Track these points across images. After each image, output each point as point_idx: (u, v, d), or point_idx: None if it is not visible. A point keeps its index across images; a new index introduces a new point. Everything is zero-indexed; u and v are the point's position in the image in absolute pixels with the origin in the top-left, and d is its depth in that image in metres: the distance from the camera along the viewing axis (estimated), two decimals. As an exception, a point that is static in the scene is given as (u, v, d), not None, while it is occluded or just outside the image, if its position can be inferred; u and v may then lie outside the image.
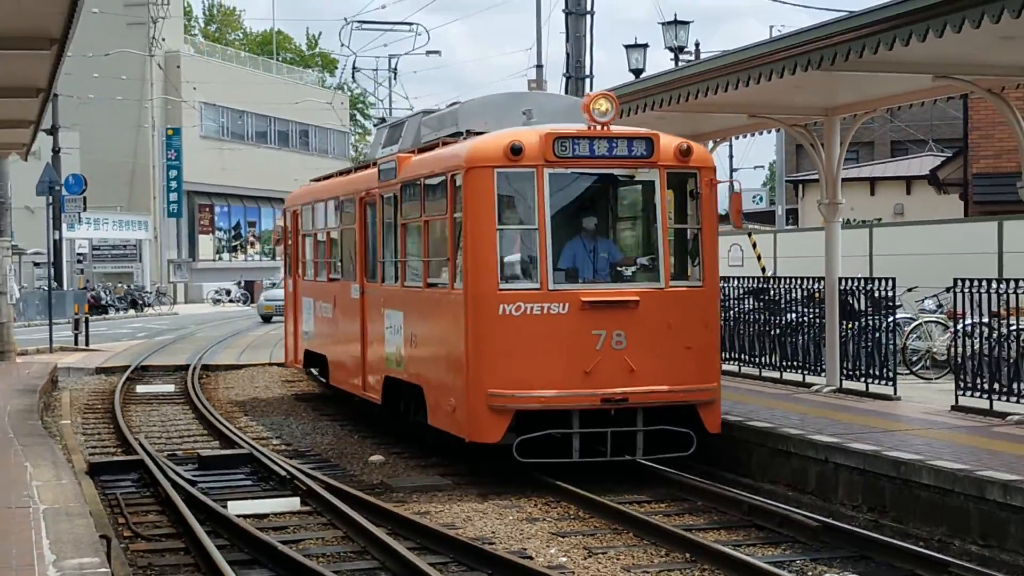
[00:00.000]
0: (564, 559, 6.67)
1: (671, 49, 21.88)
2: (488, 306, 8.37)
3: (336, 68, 61.17)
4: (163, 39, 42.73)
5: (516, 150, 8.35)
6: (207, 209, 48.95)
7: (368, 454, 10.72)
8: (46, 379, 15.46)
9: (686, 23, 21.88)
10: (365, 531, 7.11)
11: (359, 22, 24.98)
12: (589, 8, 18.30)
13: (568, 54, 18.24)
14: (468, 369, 8.49)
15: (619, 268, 9.18)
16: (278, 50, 60.19)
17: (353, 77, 14.97)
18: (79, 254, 33.94)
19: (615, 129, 8.67)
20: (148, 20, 40.58)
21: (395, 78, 31.30)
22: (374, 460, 10.32)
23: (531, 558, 6.62)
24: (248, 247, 52.23)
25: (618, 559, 6.66)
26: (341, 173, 14.66)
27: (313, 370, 14.84)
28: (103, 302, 35.31)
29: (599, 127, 8.56)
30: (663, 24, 22.41)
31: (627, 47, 20.77)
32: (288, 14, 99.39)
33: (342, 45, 58.07)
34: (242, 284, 44.33)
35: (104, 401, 15.31)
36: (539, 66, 22.63)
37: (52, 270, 26.92)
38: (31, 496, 7.21)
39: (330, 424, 13.17)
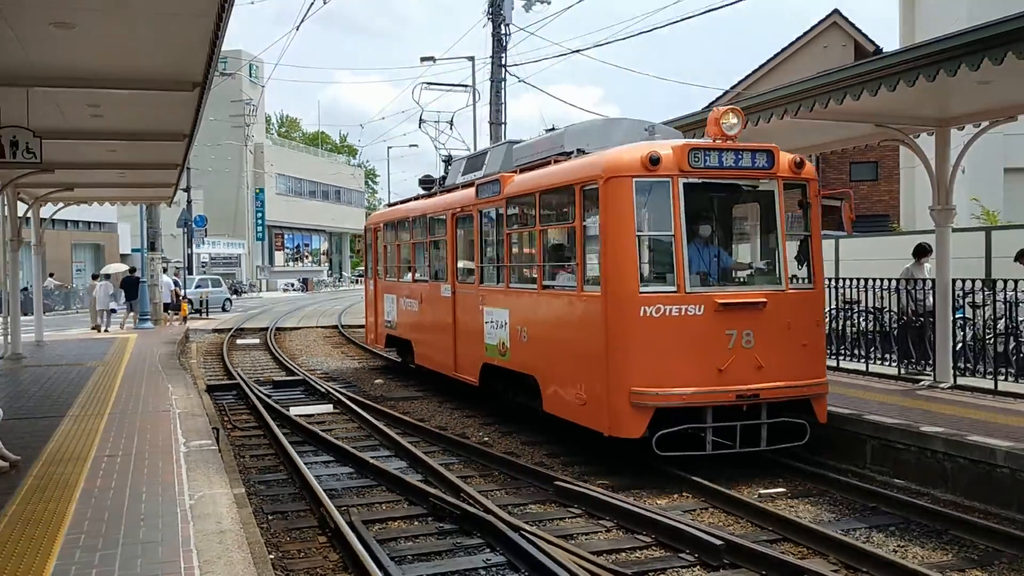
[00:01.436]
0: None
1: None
2: (630, 308, 8.76)
3: (356, 152, 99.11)
4: (252, 135, 69.43)
5: (654, 160, 8.82)
6: (280, 236, 77.03)
7: (373, 379, 17.22)
8: (182, 336, 23.66)
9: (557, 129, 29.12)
10: (370, 423, 12.03)
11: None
12: (503, 120, 26.53)
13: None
14: (609, 368, 8.89)
15: (738, 272, 9.72)
16: (321, 143, 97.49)
17: (420, 126, 19.74)
18: (202, 263, 57.47)
19: (739, 142, 9.20)
20: (243, 123, 66.82)
21: (451, 127, 37.01)
22: (377, 383, 16.63)
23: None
24: (304, 259, 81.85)
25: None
26: (406, 200, 17.55)
27: (392, 351, 18.84)
28: (218, 291, 53.22)
29: (726, 140, 9.08)
30: (545, 130, 28.79)
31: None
32: (328, 120, 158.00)
33: (416, 102, 68.62)
34: (301, 280, 71.03)
35: (217, 348, 23.21)
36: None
37: (186, 272, 39.93)
38: (171, 404, 11.10)
39: (351, 361, 21.04)
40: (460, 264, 13.39)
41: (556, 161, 10.54)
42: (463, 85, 29.55)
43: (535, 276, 10.64)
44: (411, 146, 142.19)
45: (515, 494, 8.59)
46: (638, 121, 10.87)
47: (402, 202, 17.93)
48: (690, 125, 12.07)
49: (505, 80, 26.34)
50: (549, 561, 6.10)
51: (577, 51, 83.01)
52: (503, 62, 25.80)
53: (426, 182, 16.55)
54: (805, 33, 31.50)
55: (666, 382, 8.69)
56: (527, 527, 6.91)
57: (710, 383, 8.74)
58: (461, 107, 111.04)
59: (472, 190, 12.63)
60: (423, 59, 35.78)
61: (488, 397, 12.83)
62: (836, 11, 31.40)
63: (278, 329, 29.15)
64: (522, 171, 11.45)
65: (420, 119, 19.15)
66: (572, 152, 10.48)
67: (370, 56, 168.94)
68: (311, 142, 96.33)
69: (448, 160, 16.83)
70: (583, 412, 9.42)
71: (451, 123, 21.47)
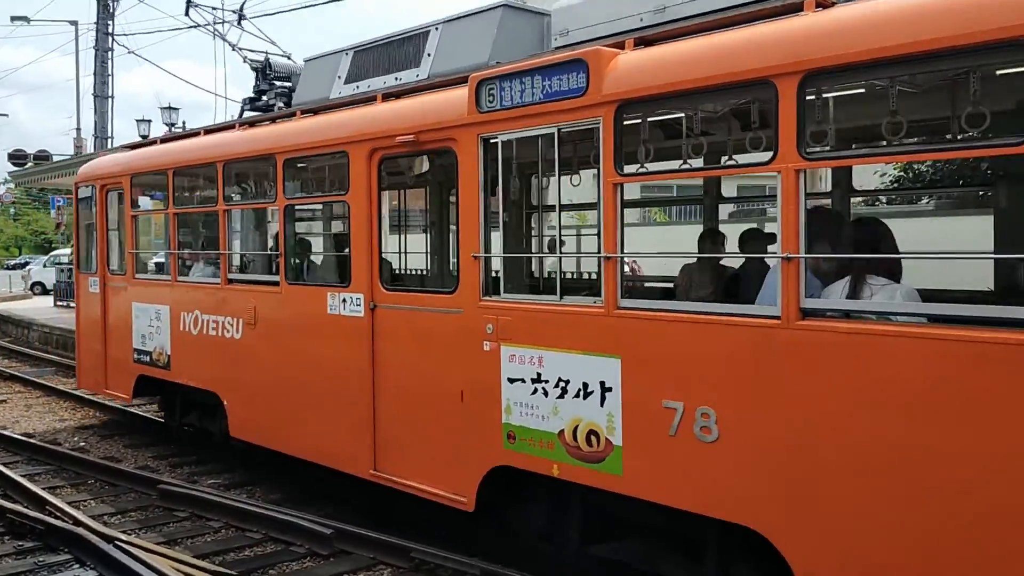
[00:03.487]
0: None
1: (168, 125, 28.52)
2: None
3: None
4: None
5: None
6: None
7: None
8: None
9: (176, 108, 29.17)
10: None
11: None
12: (110, 94, 27.83)
13: (95, 123, 28.17)
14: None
15: None
16: None
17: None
18: None
19: None
20: None
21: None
22: None
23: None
24: None
25: None
26: (188, 135, 9.61)
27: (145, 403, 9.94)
28: None
29: None
30: (160, 108, 30.19)
31: (137, 121, 30.05)
32: None
33: None
34: None
35: None
36: (78, 129, 35.69)
37: None
38: None
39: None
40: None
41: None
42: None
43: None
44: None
45: (113, 502, 7.94)
46: None
47: (178, 138, 9.95)
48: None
49: (113, 50, 24.40)
50: (145, 570, 5.68)
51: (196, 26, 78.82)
52: (109, 30, 23.76)
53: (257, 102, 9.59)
54: None
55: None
56: (123, 537, 6.38)
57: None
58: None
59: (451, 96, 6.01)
60: (14, 18, 31.86)
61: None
62: None
63: None
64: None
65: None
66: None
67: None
68: None
69: (264, 70, 9.62)
70: None
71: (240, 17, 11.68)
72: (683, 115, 5.30)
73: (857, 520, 4.00)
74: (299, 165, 7.72)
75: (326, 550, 6.52)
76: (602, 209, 5.02)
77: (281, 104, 9.31)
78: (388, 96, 6.86)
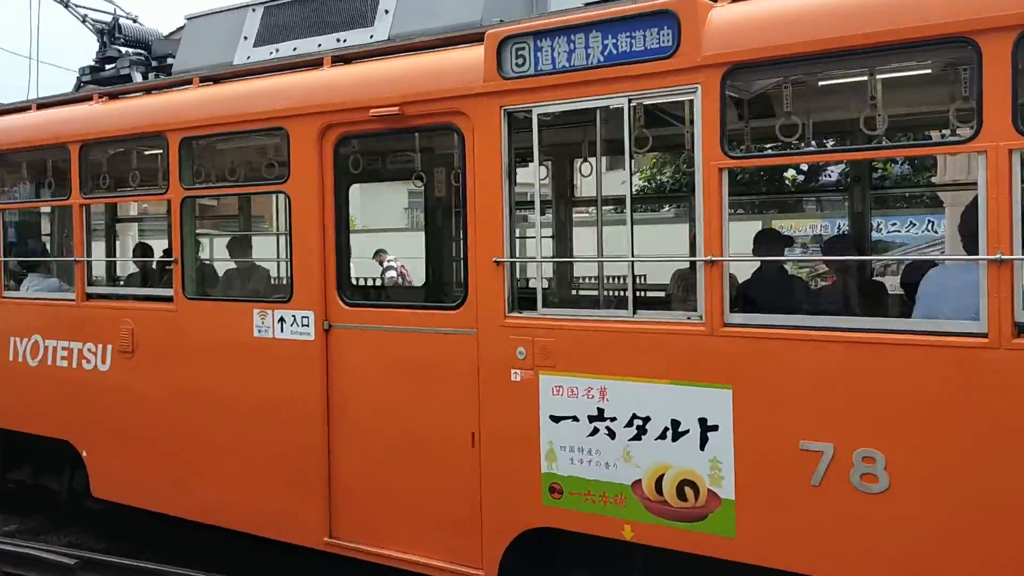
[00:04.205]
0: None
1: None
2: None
3: None
4: None
5: None
6: None
7: None
8: None
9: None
10: None
11: None
12: None
13: None
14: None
15: None
16: None
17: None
18: None
19: None
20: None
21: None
22: None
23: None
24: None
25: None
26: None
27: None
28: None
29: None
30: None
31: None
32: None
33: None
34: None
35: None
36: None
37: None
38: None
39: None
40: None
41: None
42: None
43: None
44: None
45: None
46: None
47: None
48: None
49: None
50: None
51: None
52: None
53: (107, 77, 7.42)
54: None
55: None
56: None
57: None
58: None
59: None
60: None
61: None
62: None
63: None
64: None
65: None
66: None
67: None
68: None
69: (112, 32, 7.59)
70: None
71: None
72: (808, 83, 4.34)
73: None
74: (203, 146, 6.02)
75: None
76: (701, 201, 3.95)
77: (139, 75, 7.45)
78: (337, 60, 5.40)
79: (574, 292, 7.02)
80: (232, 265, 6.91)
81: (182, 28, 7.30)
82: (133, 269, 8.66)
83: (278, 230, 9.47)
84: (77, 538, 6.97)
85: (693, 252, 4.18)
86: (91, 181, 6.50)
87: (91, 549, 6.55)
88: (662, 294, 5.90)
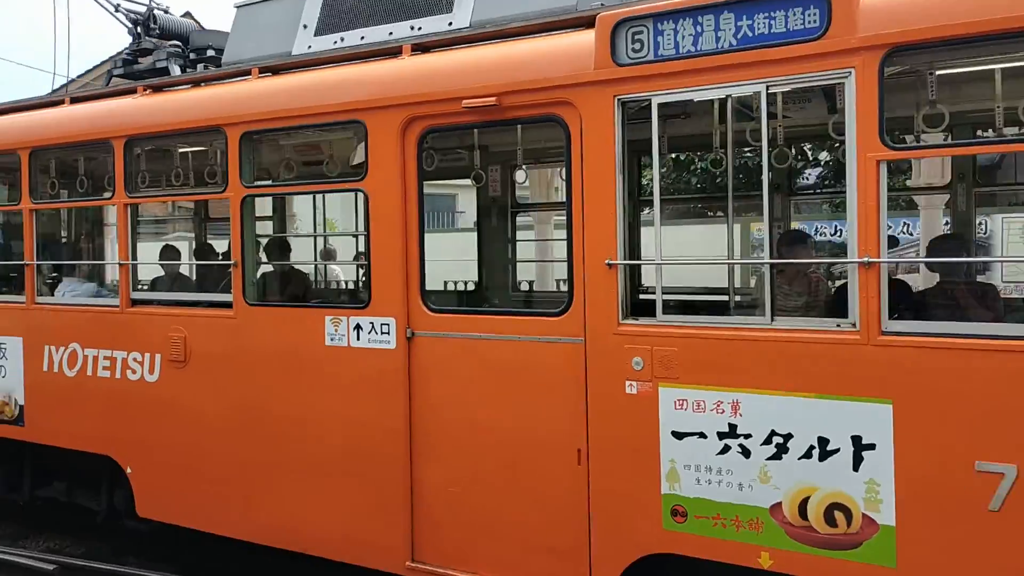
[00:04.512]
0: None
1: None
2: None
3: None
4: None
5: None
6: None
7: None
8: None
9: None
10: None
11: None
12: None
13: None
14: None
15: None
16: None
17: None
18: None
19: None
20: None
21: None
22: None
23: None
24: None
25: None
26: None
27: None
28: None
29: None
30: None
31: None
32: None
33: None
34: None
35: None
36: None
37: None
38: None
39: None
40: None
41: None
42: None
43: None
44: None
45: None
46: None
47: (25, 108, 6.83)
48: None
49: None
50: None
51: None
52: None
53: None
54: None
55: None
56: None
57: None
58: None
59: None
60: None
61: None
62: None
63: None
64: None
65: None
66: None
67: None
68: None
69: (147, 23, 7.11)
70: None
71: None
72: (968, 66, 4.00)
73: None
74: (265, 141, 5.62)
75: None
76: (857, 196, 3.60)
77: (177, 68, 7.04)
78: (416, 48, 5.02)
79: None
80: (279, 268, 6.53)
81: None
82: (159, 273, 8.24)
83: (315, 231, 9.10)
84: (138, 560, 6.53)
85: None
86: (134, 179, 6.09)
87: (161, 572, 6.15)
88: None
